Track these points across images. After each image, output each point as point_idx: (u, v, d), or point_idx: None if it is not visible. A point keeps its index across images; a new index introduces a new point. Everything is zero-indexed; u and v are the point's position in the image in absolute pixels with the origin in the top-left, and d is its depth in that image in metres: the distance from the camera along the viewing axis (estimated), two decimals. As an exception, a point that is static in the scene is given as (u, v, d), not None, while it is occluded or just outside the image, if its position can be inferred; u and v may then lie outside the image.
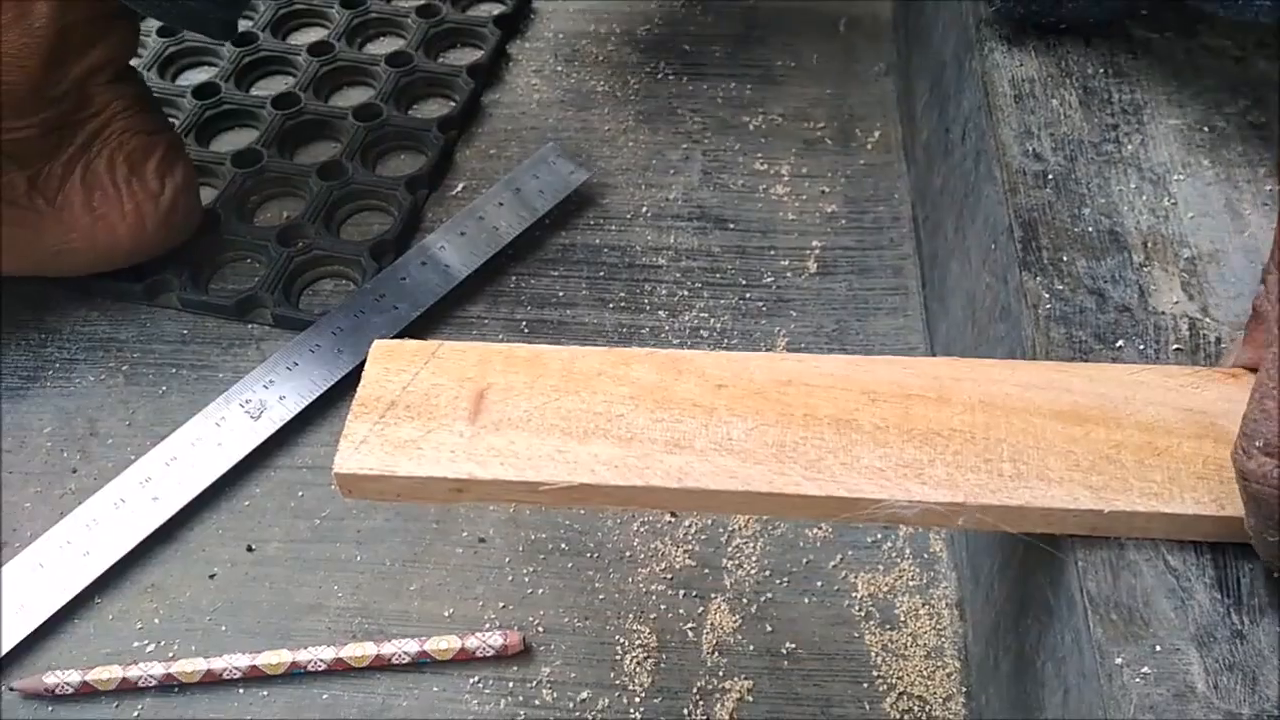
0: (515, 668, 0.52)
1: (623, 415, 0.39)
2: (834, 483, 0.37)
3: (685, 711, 0.50)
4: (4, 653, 0.52)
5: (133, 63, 0.65)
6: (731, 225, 0.71)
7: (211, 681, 0.51)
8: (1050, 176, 0.49)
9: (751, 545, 0.56)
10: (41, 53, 0.57)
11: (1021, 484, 0.37)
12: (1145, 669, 0.34)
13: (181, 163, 0.65)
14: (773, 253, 0.69)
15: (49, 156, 0.60)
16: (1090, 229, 0.47)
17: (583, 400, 0.40)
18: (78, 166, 0.61)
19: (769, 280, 0.68)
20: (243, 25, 0.83)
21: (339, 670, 0.51)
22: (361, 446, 0.39)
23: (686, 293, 0.67)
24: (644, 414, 0.39)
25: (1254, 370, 0.39)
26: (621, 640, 0.53)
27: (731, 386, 0.40)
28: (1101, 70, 0.54)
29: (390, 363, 0.41)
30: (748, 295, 0.67)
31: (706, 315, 0.66)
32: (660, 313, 0.66)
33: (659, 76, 0.80)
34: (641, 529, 0.57)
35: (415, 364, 0.41)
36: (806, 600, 0.54)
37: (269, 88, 0.79)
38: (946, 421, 0.39)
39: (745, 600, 0.54)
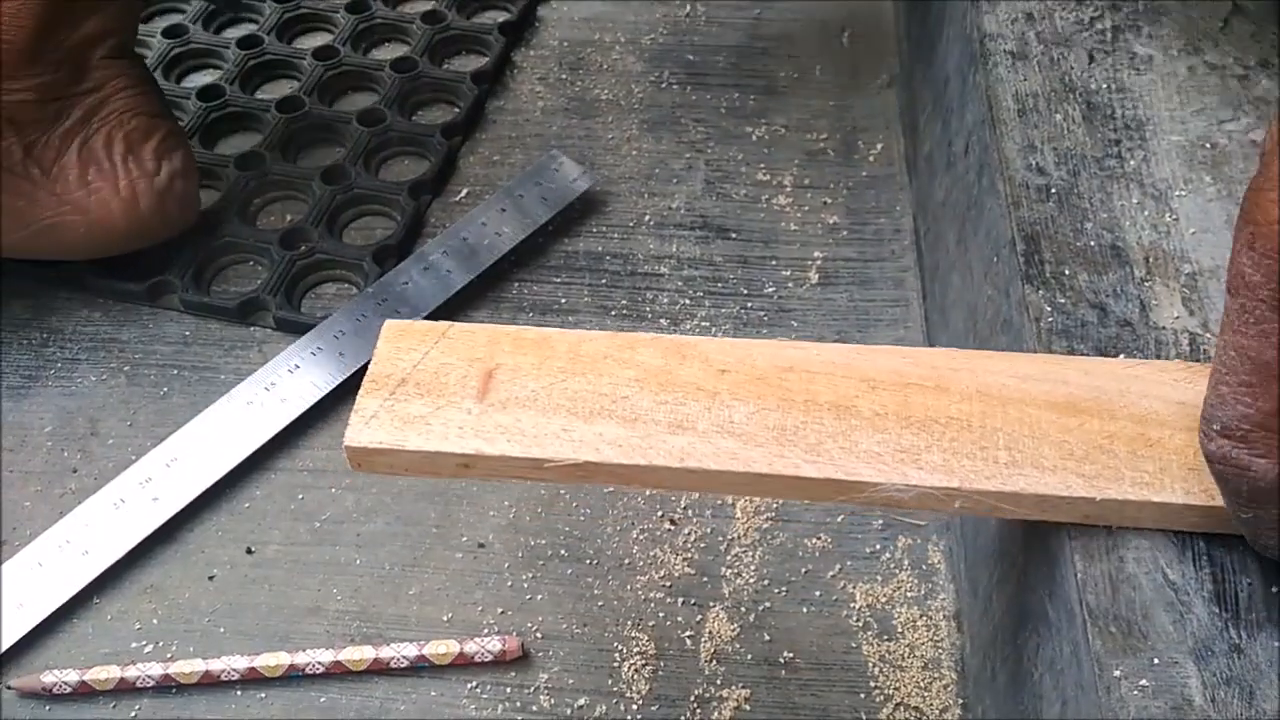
0: (513, 673, 0.52)
1: (627, 397, 0.40)
2: (833, 465, 0.38)
3: (683, 719, 0.50)
4: (2, 651, 0.52)
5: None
6: (734, 235, 0.71)
7: (209, 683, 0.51)
8: (1053, 191, 0.50)
9: (750, 554, 0.56)
10: (37, 12, 0.58)
11: (1016, 471, 0.38)
12: (1143, 681, 0.34)
13: (181, 149, 0.65)
14: (774, 263, 0.69)
15: (47, 127, 0.61)
16: (1092, 243, 0.48)
17: (589, 382, 0.41)
18: (75, 140, 0.62)
19: (770, 290, 0.68)
20: (248, 29, 0.83)
21: (337, 674, 0.51)
22: (372, 421, 0.40)
23: (688, 301, 0.67)
24: (648, 396, 0.40)
25: None
26: (620, 647, 0.53)
27: (734, 372, 0.41)
28: (1105, 85, 0.54)
29: (401, 341, 0.42)
30: (749, 305, 0.67)
31: (708, 325, 0.66)
32: (662, 321, 0.66)
33: (663, 85, 0.81)
34: (641, 536, 0.57)
35: (426, 343, 0.42)
36: (805, 610, 0.54)
37: (273, 91, 0.80)
38: (944, 410, 0.40)
39: (744, 609, 0.54)
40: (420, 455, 0.39)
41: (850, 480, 0.38)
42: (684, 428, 0.39)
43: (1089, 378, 0.41)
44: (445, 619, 0.54)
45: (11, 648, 0.52)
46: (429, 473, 0.40)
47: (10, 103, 0.60)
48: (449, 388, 0.41)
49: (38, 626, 0.53)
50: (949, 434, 0.39)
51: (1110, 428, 0.39)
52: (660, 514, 0.57)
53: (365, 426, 0.40)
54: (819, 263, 0.69)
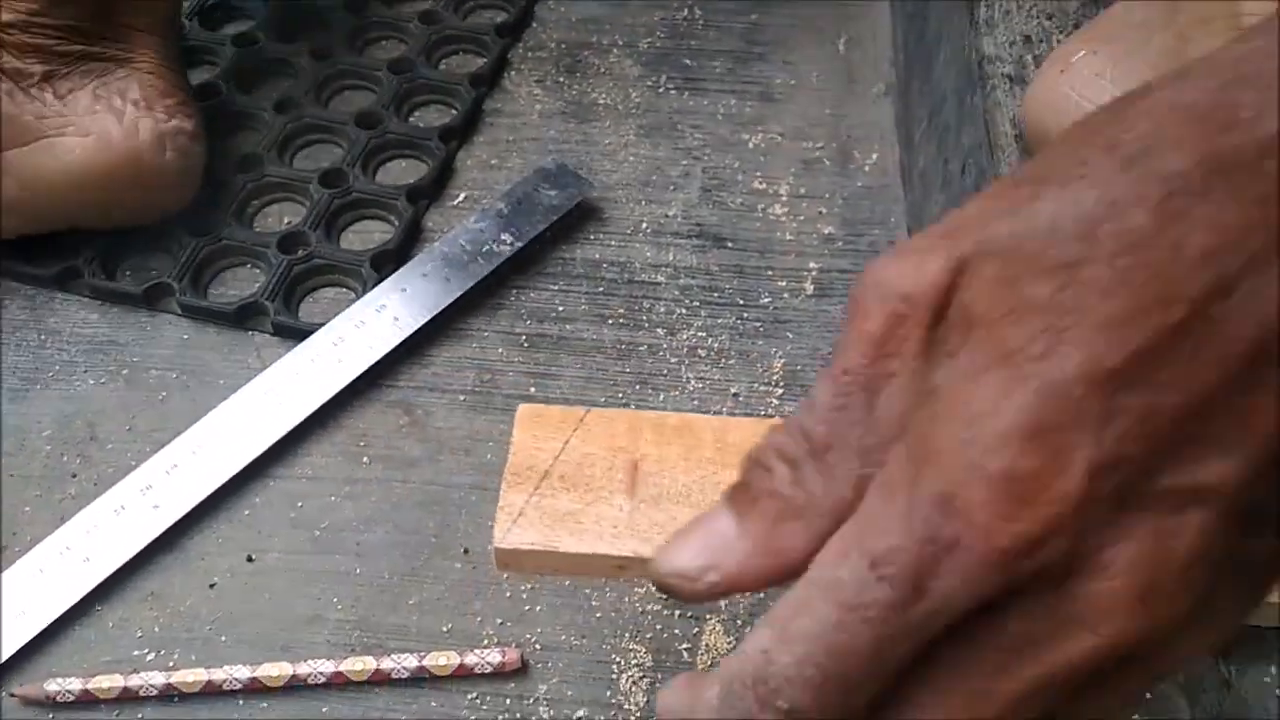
0: (513, 685, 0.53)
1: None
2: None
3: (679, 732, 0.51)
4: (5, 659, 0.52)
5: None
6: (730, 244, 0.72)
7: (212, 692, 0.52)
8: (1050, 218, 0.50)
9: (746, 567, 0.57)
10: None
11: None
12: (1136, 717, 0.35)
13: (195, 118, 0.68)
14: (770, 273, 0.70)
15: (71, 63, 0.65)
16: (1088, 273, 0.48)
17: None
18: (94, 80, 0.65)
19: (766, 301, 0.69)
20: (245, 26, 0.83)
21: (338, 684, 0.52)
22: (520, 520, 0.38)
23: (684, 311, 0.68)
24: None
25: None
26: (618, 659, 0.54)
27: None
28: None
29: (539, 430, 0.41)
30: (745, 315, 0.68)
31: (704, 334, 0.67)
32: (659, 330, 0.67)
33: (660, 91, 0.81)
34: (638, 548, 0.57)
35: (564, 431, 0.41)
36: (799, 624, 0.55)
37: (270, 91, 0.79)
38: None
39: (739, 622, 0.55)
40: (574, 557, 0.38)
41: None
42: None
43: None
44: (445, 629, 0.54)
45: (14, 655, 0.53)
46: (582, 574, 0.39)
47: (41, 31, 0.63)
48: (596, 481, 0.39)
49: (40, 634, 0.53)
50: None
51: None
52: (657, 526, 0.58)
53: (514, 526, 0.38)
54: (814, 274, 0.70)
